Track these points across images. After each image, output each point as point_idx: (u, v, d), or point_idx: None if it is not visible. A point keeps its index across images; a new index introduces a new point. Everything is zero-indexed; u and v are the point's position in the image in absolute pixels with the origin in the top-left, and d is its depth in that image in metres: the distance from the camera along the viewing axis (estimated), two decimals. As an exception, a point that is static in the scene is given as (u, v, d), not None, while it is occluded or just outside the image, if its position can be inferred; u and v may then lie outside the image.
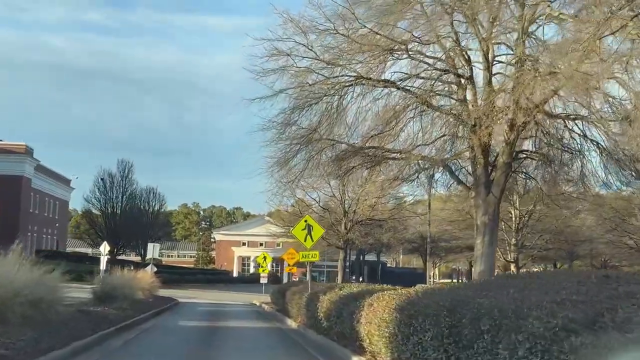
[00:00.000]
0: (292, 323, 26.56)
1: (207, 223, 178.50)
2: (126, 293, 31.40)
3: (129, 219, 79.95)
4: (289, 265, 47.49)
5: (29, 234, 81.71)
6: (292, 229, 30.76)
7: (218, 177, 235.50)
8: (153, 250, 46.96)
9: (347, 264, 60.57)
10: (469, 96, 28.94)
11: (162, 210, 77.00)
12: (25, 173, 75.90)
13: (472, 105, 29.43)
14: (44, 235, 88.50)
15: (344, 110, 31.47)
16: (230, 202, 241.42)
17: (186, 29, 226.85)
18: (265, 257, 52.37)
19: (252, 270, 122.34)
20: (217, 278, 72.48)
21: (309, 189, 57.72)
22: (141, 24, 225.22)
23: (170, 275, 67.08)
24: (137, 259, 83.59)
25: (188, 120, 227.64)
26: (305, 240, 27.26)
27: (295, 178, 36.68)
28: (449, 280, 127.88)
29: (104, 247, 58.93)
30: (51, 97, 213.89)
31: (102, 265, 53.32)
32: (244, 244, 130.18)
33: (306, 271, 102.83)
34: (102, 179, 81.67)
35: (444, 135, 31.40)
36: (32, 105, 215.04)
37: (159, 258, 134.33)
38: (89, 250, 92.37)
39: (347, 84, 30.28)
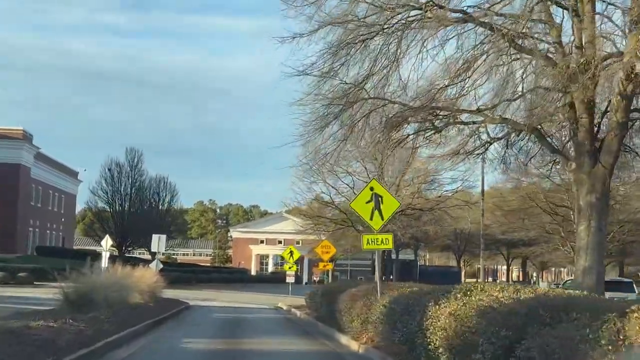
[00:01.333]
0: (350, 342, 17.23)
1: (224, 221, 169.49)
2: (113, 296, 22.31)
3: (138, 212, 70.80)
4: (323, 261, 38.16)
5: (30, 228, 72.80)
6: (352, 201, 21.35)
7: (236, 178, 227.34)
8: (158, 243, 37.75)
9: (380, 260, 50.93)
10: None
11: (174, 202, 68.27)
12: (23, 161, 66.95)
13: (575, 47, 21.12)
14: (48, 231, 79.60)
15: (400, 58, 22.79)
16: (247, 200, 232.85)
17: (207, 31, 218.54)
18: (292, 252, 43.07)
19: (270, 268, 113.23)
20: (235, 277, 63.26)
21: (342, 174, 48.52)
22: (161, 26, 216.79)
23: (182, 273, 58.00)
24: (149, 256, 74.43)
25: (207, 121, 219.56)
26: (371, 219, 17.97)
27: (332, 151, 28.31)
28: (475, 280, 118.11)
29: (106, 242, 50.10)
30: (70, 100, 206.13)
31: (104, 262, 44.12)
32: (261, 241, 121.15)
33: (329, 270, 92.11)
34: (109, 169, 72.59)
35: (536, 88, 22.70)
36: (51, 108, 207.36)
37: (174, 256, 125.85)
38: (98, 248, 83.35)
39: (408, 19, 21.60)
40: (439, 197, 48.42)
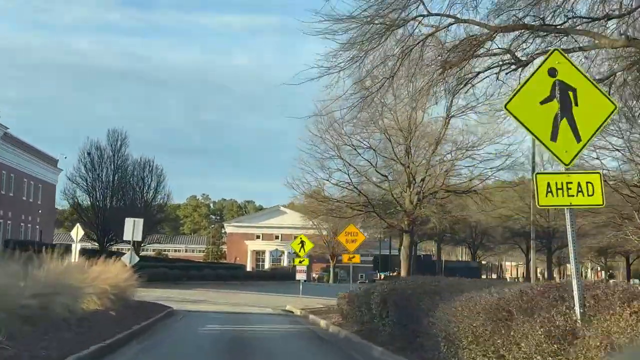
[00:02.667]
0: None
1: (218, 217, 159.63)
2: (33, 304, 12.97)
3: (121, 202, 61.02)
4: (348, 252, 28.66)
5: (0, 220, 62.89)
6: (508, 101, 11.74)
7: (231, 174, 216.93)
8: (133, 229, 28.10)
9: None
10: None
11: (161, 188, 58.47)
12: (-15, 140, 57.10)
13: None
14: (23, 224, 69.62)
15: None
16: (241, 196, 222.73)
17: (208, 28, 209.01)
18: (302, 243, 33.56)
19: (267, 265, 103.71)
20: (230, 274, 53.59)
21: (360, 149, 39.07)
22: (163, 24, 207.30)
23: (170, 270, 48.39)
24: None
25: (204, 118, 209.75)
26: (554, 139, 8.34)
27: (376, 91, 20.77)
28: (503, 278, 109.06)
29: (76, 232, 40.72)
30: (72, 98, 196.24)
31: (74, 256, 34.67)
32: (258, 237, 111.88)
33: (326, 267, 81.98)
34: (88, 154, 62.60)
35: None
36: (53, 106, 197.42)
37: (165, 252, 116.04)
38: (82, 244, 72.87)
39: None
40: (479, 176, 38.89)
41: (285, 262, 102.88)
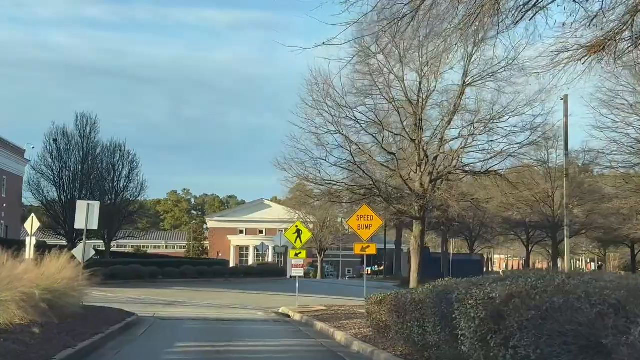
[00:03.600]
0: None
1: (199, 212, 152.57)
2: None
3: (92, 192, 54.24)
4: (363, 243, 22.23)
5: (-44, 214, 55.94)
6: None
7: (213, 170, 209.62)
8: (87, 214, 21.63)
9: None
10: None
11: (134, 176, 51.56)
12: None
13: None
14: (-16, 219, 62.68)
15: None
16: (223, 191, 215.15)
17: (189, 24, 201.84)
18: (299, 232, 27.18)
19: (250, 261, 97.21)
20: (213, 270, 46.76)
21: (363, 122, 32.79)
22: (143, 19, 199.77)
23: (144, 266, 41.77)
24: (114, 246, 58.23)
25: (186, 114, 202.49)
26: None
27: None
28: (505, 269, 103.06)
29: (31, 223, 34.41)
30: (52, 95, 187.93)
31: (28, 253, 28.38)
32: (241, 231, 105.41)
33: (312, 262, 75.23)
34: (54, 140, 55.72)
35: None
36: (32, 103, 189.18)
37: (144, 248, 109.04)
38: (51, 240, 65.39)
39: None
40: (501, 153, 32.59)
41: (270, 257, 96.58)
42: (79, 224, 21.81)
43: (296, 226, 28.37)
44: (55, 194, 55.79)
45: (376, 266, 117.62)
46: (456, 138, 33.06)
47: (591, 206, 60.68)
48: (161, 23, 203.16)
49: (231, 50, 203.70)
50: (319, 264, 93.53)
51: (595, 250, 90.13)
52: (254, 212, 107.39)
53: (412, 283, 33.22)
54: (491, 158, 32.58)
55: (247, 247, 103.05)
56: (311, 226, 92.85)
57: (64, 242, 56.50)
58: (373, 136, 32.41)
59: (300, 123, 32.42)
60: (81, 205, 22.10)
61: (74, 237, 55.84)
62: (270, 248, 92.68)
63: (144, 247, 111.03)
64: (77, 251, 21.92)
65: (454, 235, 74.67)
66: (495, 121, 32.13)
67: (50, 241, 65.40)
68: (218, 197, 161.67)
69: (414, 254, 33.58)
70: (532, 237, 71.82)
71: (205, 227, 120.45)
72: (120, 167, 51.06)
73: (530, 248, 72.87)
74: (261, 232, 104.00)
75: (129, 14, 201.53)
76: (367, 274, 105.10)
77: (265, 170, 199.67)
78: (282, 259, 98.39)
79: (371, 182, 32.45)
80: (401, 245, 73.76)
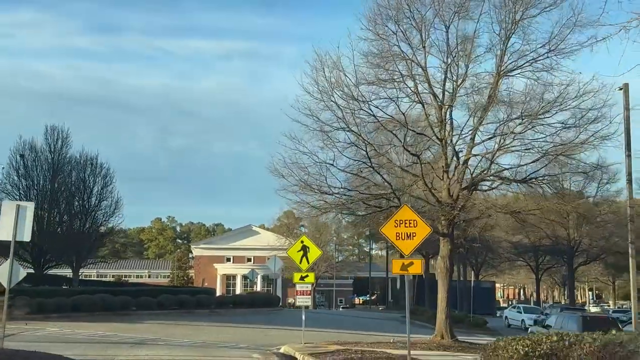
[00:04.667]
0: None
1: (185, 240, 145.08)
2: None
3: (62, 213, 47.52)
4: (404, 258, 15.63)
5: None
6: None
7: (199, 200, 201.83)
8: (17, 219, 14.80)
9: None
10: None
11: (108, 192, 44.40)
12: None
13: None
14: (-56, 244, 55.05)
15: None
16: (210, 219, 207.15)
17: (175, 54, 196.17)
18: (305, 249, 20.76)
19: (237, 290, 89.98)
20: (197, 300, 39.28)
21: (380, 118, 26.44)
22: (130, 49, 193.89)
23: (114, 295, 34.76)
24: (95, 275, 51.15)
25: (172, 143, 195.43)
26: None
27: None
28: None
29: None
30: (39, 124, 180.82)
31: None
32: (228, 259, 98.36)
33: (310, 292, 68.63)
34: (21, 155, 48.94)
35: None
36: (18, 130, 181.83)
37: (126, 278, 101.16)
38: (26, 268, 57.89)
39: None
40: (547, 155, 26.18)
41: (259, 286, 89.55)
42: (4, 233, 15.10)
43: (302, 242, 21.86)
44: (21, 216, 48.82)
45: (368, 295, 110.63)
46: (491, 137, 26.66)
47: (611, 230, 54.53)
48: (147, 53, 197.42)
49: (217, 79, 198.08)
50: (312, 293, 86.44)
51: (603, 277, 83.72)
52: (241, 239, 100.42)
53: (441, 317, 26.62)
54: (536, 161, 26.19)
55: (234, 276, 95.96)
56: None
57: (30, 269, 49.60)
58: (393, 133, 25.92)
59: (304, 119, 25.98)
60: (7, 208, 15.40)
61: (41, 263, 48.95)
62: (259, 277, 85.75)
63: (125, 276, 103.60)
64: (1, 273, 15.24)
65: (457, 261, 68.13)
66: (540, 116, 25.84)
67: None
68: (204, 225, 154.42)
69: (441, 280, 26.98)
70: (542, 263, 65.51)
71: (190, 255, 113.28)
72: (92, 183, 44.15)
73: (540, 275, 66.37)
74: (249, 260, 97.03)
75: (115, 44, 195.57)
76: (359, 304, 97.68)
77: (252, 200, 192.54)
78: (272, 288, 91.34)
79: (390, 191, 25.90)
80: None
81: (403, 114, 25.33)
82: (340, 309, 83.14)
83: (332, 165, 26.68)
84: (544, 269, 65.98)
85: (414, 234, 15.16)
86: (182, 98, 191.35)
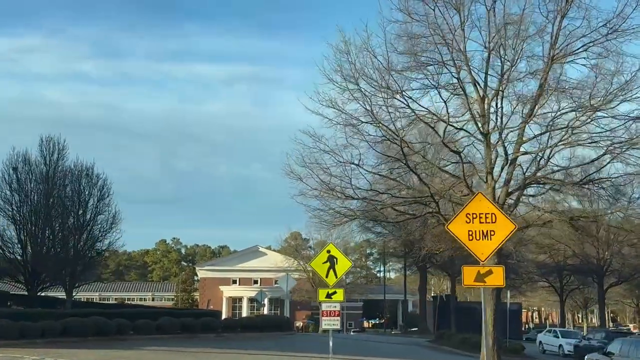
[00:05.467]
0: None
1: (190, 263, 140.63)
2: None
3: (58, 230, 43.42)
4: (480, 265, 11.58)
5: None
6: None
7: (204, 223, 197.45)
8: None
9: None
10: None
11: (105, 205, 40.27)
12: None
13: None
14: None
15: None
16: (215, 241, 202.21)
17: (180, 78, 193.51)
18: (333, 260, 16.70)
19: (244, 313, 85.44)
20: (202, 323, 34.89)
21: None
22: (134, 74, 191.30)
23: (109, 319, 30.51)
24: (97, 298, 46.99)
25: (177, 166, 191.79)
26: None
27: None
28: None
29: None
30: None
31: None
32: (234, 281, 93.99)
33: (311, 315, 64.76)
34: (14, 169, 44.96)
35: None
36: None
37: (129, 300, 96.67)
38: (19, 289, 53.18)
39: None
40: (610, 151, 22.10)
41: (265, 309, 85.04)
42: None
43: (328, 252, 17.72)
44: (14, 233, 44.68)
45: (377, 318, 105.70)
46: (543, 133, 22.61)
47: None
48: (153, 77, 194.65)
49: (221, 103, 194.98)
50: (320, 317, 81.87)
51: (627, 299, 78.98)
52: (247, 260, 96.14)
53: (488, 344, 22.38)
54: (598, 158, 22.13)
55: (240, 299, 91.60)
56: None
57: (24, 291, 45.51)
58: (431, 126, 21.89)
59: (325, 111, 22.01)
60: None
61: (35, 284, 44.73)
62: (266, 300, 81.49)
63: (129, 298, 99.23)
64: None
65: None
66: (602, 107, 21.83)
67: (5, 289, 54.02)
68: (209, 247, 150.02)
69: (487, 300, 22.82)
70: (566, 284, 61.01)
71: (195, 278, 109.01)
72: (87, 195, 40.06)
73: (564, 297, 61.77)
74: (255, 282, 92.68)
75: (120, 69, 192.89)
76: (369, 327, 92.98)
77: (257, 222, 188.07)
78: (280, 311, 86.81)
79: (428, 194, 21.80)
80: (426, 293, 62.47)
81: (445, 102, 21.31)
82: (352, 333, 78.49)
83: (358, 165, 22.69)
84: (569, 290, 61.43)
85: (493, 233, 11.17)
86: (186, 122, 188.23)
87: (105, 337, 29.49)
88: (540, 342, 44.30)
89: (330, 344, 17.41)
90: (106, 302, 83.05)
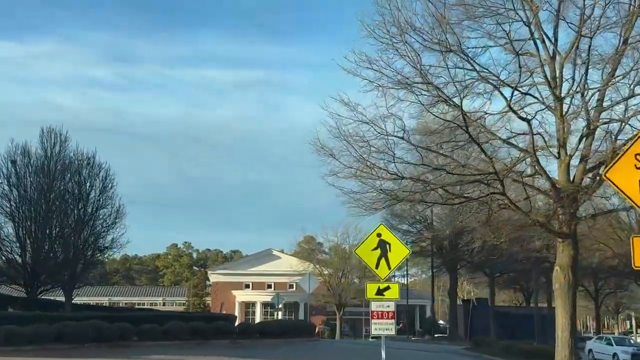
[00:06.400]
0: None
1: (202, 268, 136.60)
2: None
3: (59, 227, 39.53)
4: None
5: None
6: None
7: (215, 228, 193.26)
8: None
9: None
10: None
11: (107, 198, 36.05)
12: None
13: None
14: None
15: None
16: (227, 246, 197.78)
17: (190, 83, 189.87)
18: (385, 245, 12.63)
19: (257, 319, 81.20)
20: (215, 328, 30.59)
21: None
22: (146, 79, 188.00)
23: (110, 323, 26.36)
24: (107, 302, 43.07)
25: (188, 171, 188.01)
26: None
27: None
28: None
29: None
30: None
31: None
32: (247, 286, 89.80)
33: (327, 320, 60.07)
34: (13, 162, 41.16)
35: None
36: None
37: (139, 304, 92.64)
38: (18, 291, 48.98)
39: None
40: None
41: (279, 314, 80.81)
42: None
43: (378, 235, 13.60)
44: (12, 230, 40.77)
45: (399, 324, 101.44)
46: (630, 97, 18.38)
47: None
48: (162, 82, 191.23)
49: (231, 108, 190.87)
50: (337, 322, 77.51)
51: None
52: (261, 264, 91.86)
53: (563, 353, 18.10)
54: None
55: (253, 304, 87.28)
56: (327, 277, 77.95)
57: (23, 293, 41.60)
58: (495, 87, 17.71)
59: (365, 73, 17.87)
60: None
61: (35, 286, 40.76)
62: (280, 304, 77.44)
63: (139, 303, 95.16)
64: None
65: (503, 286, 59.04)
66: None
67: (5, 291, 50.07)
68: (221, 252, 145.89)
69: (562, 300, 18.48)
70: (601, 287, 56.47)
71: (207, 282, 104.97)
72: (89, 185, 36.01)
73: (600, 302, 57.16)
74: (269, 286, 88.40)
75: (131, 74, 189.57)
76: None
77: (269, 226, 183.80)
78: (294, 316, 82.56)
79: (492, 171, 17.58)
80: (456, 296, 57.90)
81: (517, 53, 17.09)
82: (370, 339, 74.07)
83: (402, 138, 18.51)
84: (604, 294, 56.87)
85: None
86: (197, 127, 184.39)
87: (105, 343, 25.41)
88: (590, 350, 39.59)
89: (383, 355, 13.24)
90: (116, 306, 79.11)
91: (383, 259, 13.41)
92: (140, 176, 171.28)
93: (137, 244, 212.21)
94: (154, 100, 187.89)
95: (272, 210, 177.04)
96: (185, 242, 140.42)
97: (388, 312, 13.60)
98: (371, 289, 13.65)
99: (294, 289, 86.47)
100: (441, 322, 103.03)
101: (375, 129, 18.44)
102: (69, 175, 36.10)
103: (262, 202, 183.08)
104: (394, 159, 18.57)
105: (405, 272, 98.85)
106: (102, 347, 25.00)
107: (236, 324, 48.05)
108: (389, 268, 13.50)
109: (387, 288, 13.44)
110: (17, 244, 40.23)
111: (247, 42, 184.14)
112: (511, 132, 18.56)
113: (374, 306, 13.71)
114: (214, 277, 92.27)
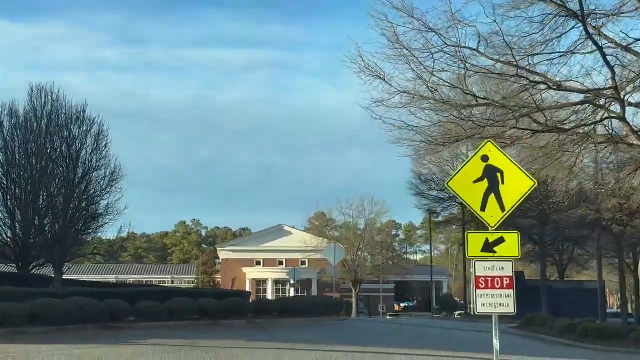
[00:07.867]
0: None
1: (211, 245, 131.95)
2: None
3: (51, 196, 34.38)
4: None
5: None
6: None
7: (225, 210, 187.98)
8: None
9: None
10: None
11: (102, 157, 30.76)
12: None
13: None
14: None
15: None
16: (236, 224, 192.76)
17: (202, 64, 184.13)
18: (495, 173, 7.51)
19: (269, 296, 76.45)
20: (226, 306, 25.70)
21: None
22: (155, 60, 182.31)
23: (99, 300, 21.30)
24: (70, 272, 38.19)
25: (198, 153, 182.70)
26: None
27: None
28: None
29: None
30: None
31: None
32: (258, 262, 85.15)
33: (340, 297, 54.95)
34: (0, 124, 35.94)
35: None
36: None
37: (148, 282, 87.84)
38: (8, 267, 43.69)
39: None
40: None
41: (291, 292, 75.94)
42: None
43: (484, 158, 8.32)
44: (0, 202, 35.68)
45: (408, 301, 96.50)
46: None
47: None
48: (172, 64, 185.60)
49: (241, 89, 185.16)
50: (353, 299, 72.58)
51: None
52: (272, 240, 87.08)
53: None
54: None
55: (264, 281, 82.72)
56: (344, 254, 73.07)
57: (13, 269, 36.70)
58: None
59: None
60: None
61: (29, 261, 35.79)
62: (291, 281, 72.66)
63: (147, 281, 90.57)
64: None
65: (536, 258, 53.75)
66: None
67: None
68: (230, 229, 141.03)
69: None
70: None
71: (217, 260, 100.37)
72: (79, 142, 30.81)
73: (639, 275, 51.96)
74: (281, 263, 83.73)
75: (141, 56, 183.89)
76: (398, 310, 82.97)
77: (279, 205, 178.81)
78: (306, 293, 77.65)
79: (612, 85, 12.26)
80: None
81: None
82: (388, 317, 69.23)
83: (476, 50, 13.23)
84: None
85: None
86: (207, 108, 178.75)
87: (94, 324, 20.39)
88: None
89: (496, 344, 8.16)
90: (108, 282, 74.53)
91: (492, 194, 8.18)
92: (149, 157, 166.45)
93: (145, 224, 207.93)
94: (165, 82, 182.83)
95: (282, 191, 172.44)
96: (194, 220, 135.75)
97: (503, 277, 8.30)
98: (474, 243, 8.23)
99: (307, 265, 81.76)
100: (456, 298, 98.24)
101: (440, 39, 13.18)
102: (58, 132, 30.85)
103: (272, 184, 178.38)
104: (465, 78, 13.26)
105: (429, 242, 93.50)
106: (90, 329, 20.00)
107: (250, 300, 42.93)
108: (503, 210, 8.26)
109: (501, 240, 8.14)
110: (6, 215, 35.27)
111: (255, 22, 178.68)
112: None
113: (479, 269, 8.27)
114: (224, 254, 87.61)
